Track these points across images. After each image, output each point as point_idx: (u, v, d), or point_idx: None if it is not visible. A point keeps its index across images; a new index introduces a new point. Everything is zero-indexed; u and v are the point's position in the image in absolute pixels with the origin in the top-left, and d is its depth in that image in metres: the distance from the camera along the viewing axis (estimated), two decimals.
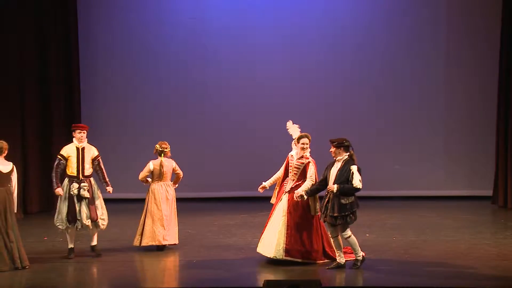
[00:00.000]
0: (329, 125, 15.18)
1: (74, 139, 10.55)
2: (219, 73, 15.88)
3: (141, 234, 10.81)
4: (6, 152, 9.76)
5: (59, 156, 10.47)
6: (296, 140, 10.11)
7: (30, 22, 14.46)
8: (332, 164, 9.65)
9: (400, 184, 15.95)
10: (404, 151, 16.01)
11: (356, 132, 14.98)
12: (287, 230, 9.89)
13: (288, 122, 10.37)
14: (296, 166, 9.99)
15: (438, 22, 15.90)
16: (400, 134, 16.03)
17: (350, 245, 9.63)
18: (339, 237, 9.62)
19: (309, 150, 10.01)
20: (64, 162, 10.42)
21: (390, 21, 15.97)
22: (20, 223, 11.71)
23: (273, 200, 10.27)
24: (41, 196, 14.45)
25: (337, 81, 15.98)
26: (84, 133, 10.51)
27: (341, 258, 9.65)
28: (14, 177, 9.80)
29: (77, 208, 10.31)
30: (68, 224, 10.33)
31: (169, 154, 11.00)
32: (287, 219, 9.92)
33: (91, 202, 10.39)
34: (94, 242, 10.56)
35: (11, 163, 9.83)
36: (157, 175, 10.90)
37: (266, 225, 10.15)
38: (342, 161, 9.56)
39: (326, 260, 9.92)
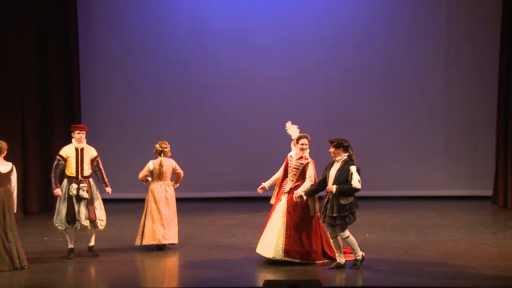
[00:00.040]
0: (329, 125, 15.18)
1: (73, 139, 10.54)
2: (219, 73, 15.88)
3: (142, 234, 10.82)
4: (5, 152, 9.75)
5: (58, 157, 10.46)
6: (295, 140, 10.10)
7: (30, 22, 14.46)
8: (331, 165, 9.65)
9: (400, 184, 15.95)
10: (404, 151, 16.00)
11: (356, 132, 14.98)
12: (286, 230, 9.88)
13: (287, 123, 10.37)
14: (295, 166, 9.99)
15: (438, 22, 15.90)
16: (400, 134, 16.03)
17: (349, 245, 9.64)
18: (339, 237, 9.62)
19: (308, 150, 10.01)
20: (63, 162, 10.42)
21: (390, 21, 15.97)
22: (20, 223, 11.75)
23: (272, 201, 10.26)
24: (41, 196, 14.44)
25: (337, 81, 15.98)
26: (83, 133, 10.51)
27: (341, 258, 9.65)
28: (14, 177, 9.80)
29: (76, 209, 10.30)
30: (67, 225, 10.32)
31: (169, 154, 11.01)
32: (286, 219, 9.92)
33: (90, 202, 10.38)
34: (92, 243, 10.56)
35: (11, 163, 9.82)
36: (156, 175, 10.91)
37: (265, 226, 10.15)
38: (341, 161, 9.56)
39: (325, 260, 9.92)
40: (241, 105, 15.86)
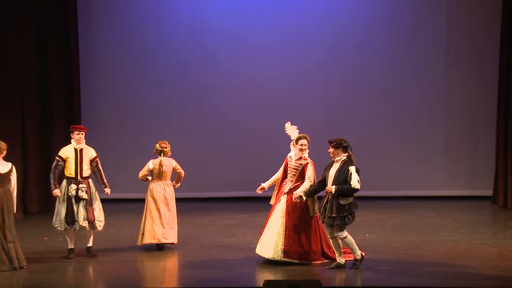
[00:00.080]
0: (329, 125, 15.18)
1: (72, 140, 10.54)
2: (219, 73, 15.87)
3: (142, 234, 10.84)
4: (4, 152, 9.75)
5: (57, 158, 10.46)
6: (294, 141, 10.10)
7: (30, 22, 14.46)
8: (330, 165, 9.65)
9: (400, 184, 15.95)
10: (404, 151, 16.00)
11: (356, 132, 14.99)
12: (285, 231, 9.88)
13: (286, 123, 10.37)
14: (294, 167, 9.99)
15: (438, 22, 15.90)
16: (400, 134, 16.03)
17: (347, 245, 9.63)
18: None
19: (307, 151, 10.01)
20: (62, 163, 10.41)
21: (390, 21, 15.96)
22: (20, 223, 11.77)
23: (272, 201, 10.26)
24: (41, 196, 14.43)
25: (337, 81, 15.97)
26: (82, 134, 10.50)
27: (341, 259, 9.65)
28: (14, 177, 9.80)
29: (75, 210, 10.30)
30: (66, 226, 10.32)
31: (169, 153, 11.01)
32: (286, 220, 9.92)
33: (89, 203, 10.36)
34: (90, 244, 10.56)
35: (10, 163, 9.82)
36: (156, 175, 10.91)
37: (264, 226, 10.15)
38: (340, 161, 9.56)
39: (325, 260, 9.92)
40: (241, 105, 15.86)
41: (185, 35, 15.89)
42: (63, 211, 10.32)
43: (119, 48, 15.88)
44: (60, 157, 10.43)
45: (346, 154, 9.59)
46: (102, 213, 10.56)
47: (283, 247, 9.84)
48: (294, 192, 9.81)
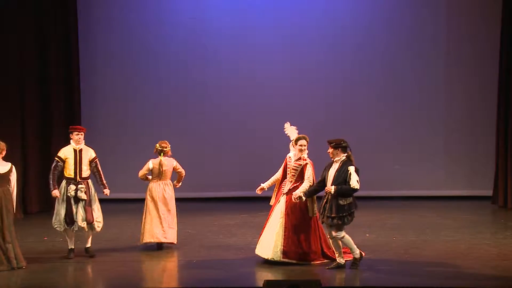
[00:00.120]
0: (329, 125, 15.18)
1: (71, 141, 10.53)
2: (219, 73, 15.87)
3: (143, 233, 10.85)
4: (4, 152, 9.74)
5: (56, 158, 10.45)
6: (294, 141, 10.10)
7: (30, 22, 14.46)
8: (330, 165, 9.65)
9: (400, 184, 15.94)
10: (404, 151, 16.00)
11: (356, 132, 14.99)
12: (284, 232, 9.89)
13: (285, 124, 10.36)
14: (293, 167, 9.99)
15: (438, 22, 15.89)
16: (400, 134, 16.03)
17: (345, 244, 9.63)
18: None
19: (307, 151, 10.01)
20: (62, 164, 10.41)
21: (390, 21, 15.96)
22: (20, 223, 11.78)
23: (272, 202, 10.26)
24: (41, 196, 14.43)
25: (337, 81, 15.97)
26: (81, 135, 10.48)
27: (341, 259, 9.65)
28: (13, 177, 9.79)
29: (74, 210, 10.30)
30: (66, 226, 10.32)
31: (169, 153, 11.01)
32: (285, 221, 9.92)
33: (88, 204, 10.36)
34: (89, 244, 10.55)
35: (10, 164, 9.81)
36: (156, 174, 10.92)
37: (264, 227, 10.15)
38: (340, 162, 9.56)
39: (324, 260, 9.92)
40: (241, 105, 15.86)
41: (185, 35, 15.89)
42: (62, 212, 10.32)
43: (119, 48, 15.88)
44: (59, 157, 10.43)
45: (346, 154, 9.58)
46: (100, 214, 10.56)
47: (282, 247, 9.84)
48: (293, 193, 9.81)
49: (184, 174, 11.14)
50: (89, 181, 10.51)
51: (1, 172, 9.67)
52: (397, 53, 15.96)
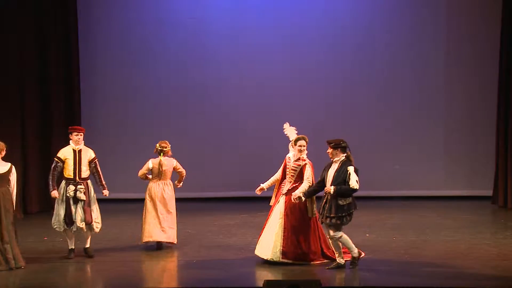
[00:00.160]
0: (329, 125, 15.18)
1: (70, 141, 10.53)
2: (219, 73, 15.87)
3: (143, 232, 10.85)
4: (3, 153, 9.74)
5: (56, 159, 10.45)
6: (293, 142, 10.09)
7: (30, 22, 14.46)
8: (329, 165, 9.65)
9: (400, 184, 15.94)
10: (404, 151, 16.00)
11: (356, 132, 15.00)
12: (284, 232, 9.88)
13: (285, 124, 10.36)
14: (293, 168, 9.99)
15: (438, 22, 15.89)
16: (400, 134, 16.03)
17: (343, 244, 9.63)
18: None
19: (306, 152, 10.00)
20: (61, 164, 10.40)
21: (390, 21, 15.96)
22: (20, 223, 11.76)
23: (272, 202, 10.25)
24: (41, 196, 14.42)
25: (337, 81, 15.97)
26: (81, 135, 10.47)
27: (341, 259, 9.65)
28: (13, 177, 9.79)
29: (73, 210, 10.30)
30: (65, 226, 10.32)
31: (169, 153, 11.01)
32: (284, 221, 9.91)
33: (87, 204, 10.35)
34: (88, 245, 10.54)
35: (9, 164, 9.81)
36: (156, 174, 10.92)
37: (263, 227, 10.15)
38: (339, 162, 9.55)
39: (324, 261, 9.92)
40: (241, 105, 15.85)
41: (185, 35, 15.88)
42: (61, 212, 10.31)
43: (119, 48, 15.88)
44: (59, 158, 10.42)
45: (345, 154, 9.58)
46: (99, 214, 10.56)
47: (281, 248, 9.84)
48: (293, 193, 9.80)
49: (185, 174, 11.15)
50: (89, 181, 10.50)
51: (1, 172, 9.66)
52: (397, 53, 15.95)
